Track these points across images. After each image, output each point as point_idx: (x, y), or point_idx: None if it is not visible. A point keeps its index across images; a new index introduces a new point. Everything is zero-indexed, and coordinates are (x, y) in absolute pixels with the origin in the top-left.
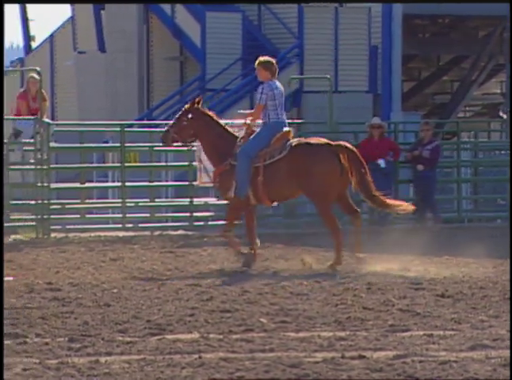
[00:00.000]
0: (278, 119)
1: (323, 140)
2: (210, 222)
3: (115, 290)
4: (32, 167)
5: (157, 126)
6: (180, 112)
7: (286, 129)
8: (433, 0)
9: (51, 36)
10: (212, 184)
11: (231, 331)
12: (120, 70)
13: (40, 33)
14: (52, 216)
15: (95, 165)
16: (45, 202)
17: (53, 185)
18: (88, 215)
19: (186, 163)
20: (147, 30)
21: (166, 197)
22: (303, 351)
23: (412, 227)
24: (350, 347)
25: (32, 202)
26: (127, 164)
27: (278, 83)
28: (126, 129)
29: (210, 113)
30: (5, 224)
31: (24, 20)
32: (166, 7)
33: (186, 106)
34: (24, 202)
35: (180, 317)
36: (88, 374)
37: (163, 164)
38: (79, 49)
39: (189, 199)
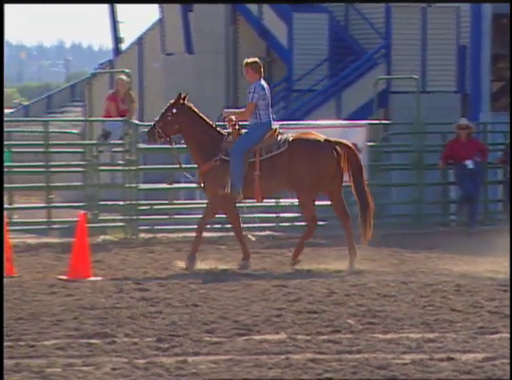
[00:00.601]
0: (269, 118)
1: (321, 136)
2: (296, 223)
3: (202, 291)
4: (121, 168)
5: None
6: (165, 108)
7: (274, 127)
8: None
9: (140, 38)
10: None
11: (318, 332)
12: (208, 71)
13: (129, 35)
14: (141, 217)
15: (183, 165)
16: (133, 203)
17: (141, 186)
18: (176, 216)
19: None
20: (235, 31)
21: None
22: (391, 353)
23: (501, 229)
24: (439, 349)
25: (121, 203)
26: None
27: (265, 84)
28: None
29: (195, 109)
30: (95, 225)
31: (114, 23)
32: (253, 8)
33: (171, 101)
34: (113, 203)
35: (267, 318)
36: (176, 373)
37: None
38: (167, 51)
39: (275, 200)
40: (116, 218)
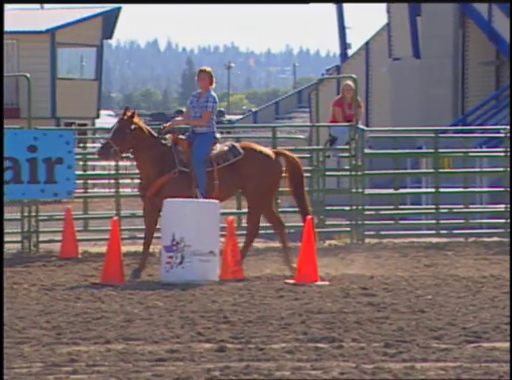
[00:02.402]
0: (215, 128)
1: (263, 147)
2: None
3: (429, 297)
4: (347, 173)
5: (472, 131)
6: (117, 124)
7: (217, 137)
8: (446, 0)
9: (367, 43)
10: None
11: None
12: (434, 75)
13: (356, 40)
14: (366, 222)
15: (409, 171)
16: (359, 208)
17: (367, 191)
18: (401, 221)
19: (501, 169)
20: (463, 34)
21: (481, 203)
22: None
23: None
24: None
25: (347, 208)
26: (440, 170)
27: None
28: (440, 135)
29: (142, 123)
30: (321, 229)
31: (342, 28)
32: (483, 10)
33: (123, 116)
34: (339, 208)
35: (496, 325)
36: (404, 379)
37: (478, 170)
38: (394, 55)
39: (504, 205)
40: (343, 223)
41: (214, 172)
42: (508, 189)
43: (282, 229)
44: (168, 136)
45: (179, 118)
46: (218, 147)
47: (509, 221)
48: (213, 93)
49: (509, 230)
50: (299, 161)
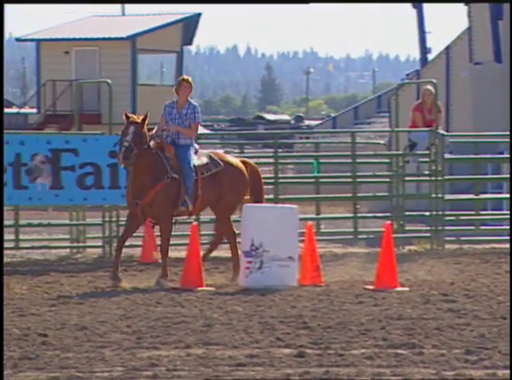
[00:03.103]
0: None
1: (232, 157)
2: None
3: (509, 304)
4: (427, 178)
5: None
6: (133, 127)
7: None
8: (444, 0)
9: (448, 47)
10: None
11: None
12: None
13: (436, 45)
14: (446, 227)
15: (489, 176)
16: (439, 213)
17: (447, 196)
18: (482, 227)
19: None
20: None
21: None
22: None
23: None
24: None
25: (427, 213)
26: None
27: None
28: None
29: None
30: (400, 235)
31: (422, 33)
32: None
33: (137, 121)
34: (418, 213)
35: None
36: None
37: None
38: (475, 60)
39: None
40: (422, 228)
41: (198, 182)
42: None
43: (233, 238)
44: (152, 143)
45: (156, 129)
46: (196, 158)
47: None
48: (195, 103)
49: None
50: (259, 170)
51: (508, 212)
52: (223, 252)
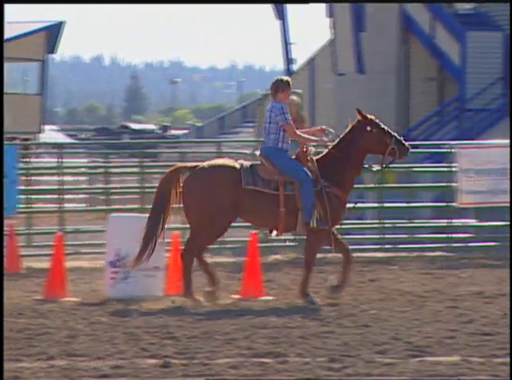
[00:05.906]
0: None
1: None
2: (469, 244)
3: (373, 311)
4: None
5: (416, 146)
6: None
7: None
8: (443, 0)
9: (312, 58)
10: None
11: (492, 354)
12: (379, 91)
13: (300, 56)
14: None
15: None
16: None
17: None
18: (346, 236)
19: (444, 184)
20: (406, 51)
21: (425, 218)
22: None
23: None
24: None
25: None
26: (384, 184)
27: None
28: None
29: None
30: (266, 244)
31: (286, 44)
32: (425, 27)
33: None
34: None
35: (440, 340)
36: None
37: (421, 185)
38: (339, 71)
39: (447, 220)
40: (288, 237)
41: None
42: (450, 204)
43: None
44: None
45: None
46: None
47: (451, 235)
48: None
49: (451, 245)
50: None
51: (372, 221)
52: (86, 263)
